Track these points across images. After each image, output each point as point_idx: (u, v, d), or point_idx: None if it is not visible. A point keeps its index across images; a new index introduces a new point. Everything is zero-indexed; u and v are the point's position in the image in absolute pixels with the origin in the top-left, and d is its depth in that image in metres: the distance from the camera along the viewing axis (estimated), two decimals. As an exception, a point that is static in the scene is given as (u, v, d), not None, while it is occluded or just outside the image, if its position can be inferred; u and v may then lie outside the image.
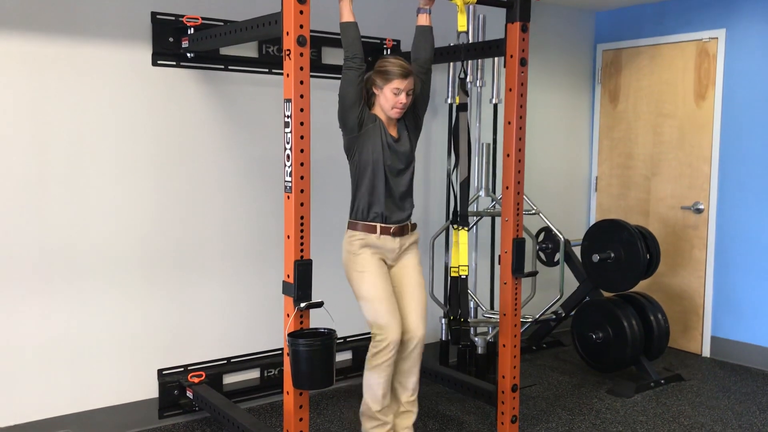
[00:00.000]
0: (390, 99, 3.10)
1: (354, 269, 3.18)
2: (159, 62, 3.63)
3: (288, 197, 2.74)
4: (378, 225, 3.15)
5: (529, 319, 4.74)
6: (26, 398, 3.40)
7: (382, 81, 3.10)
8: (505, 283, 3.50)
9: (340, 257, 3.24)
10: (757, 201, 4.84)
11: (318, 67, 4.10)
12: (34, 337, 3.40)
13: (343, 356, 4.43)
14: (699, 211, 5.13)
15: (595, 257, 4.61)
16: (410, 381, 3.30)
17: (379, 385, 3.16)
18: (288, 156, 2.72)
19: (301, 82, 2.67)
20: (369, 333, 4.53)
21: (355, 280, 3.19)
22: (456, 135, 3.58)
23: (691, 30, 5.14)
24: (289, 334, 2.74)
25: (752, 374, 4.76)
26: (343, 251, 3.24)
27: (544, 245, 5.02)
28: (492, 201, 4.70)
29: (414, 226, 3.31)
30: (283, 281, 2.81)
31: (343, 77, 3.00)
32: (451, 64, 4.54)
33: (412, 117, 3.26)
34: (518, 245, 3.46)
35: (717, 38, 4.98)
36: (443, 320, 4.61)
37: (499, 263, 3.54)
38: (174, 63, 3.67)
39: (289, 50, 2.66)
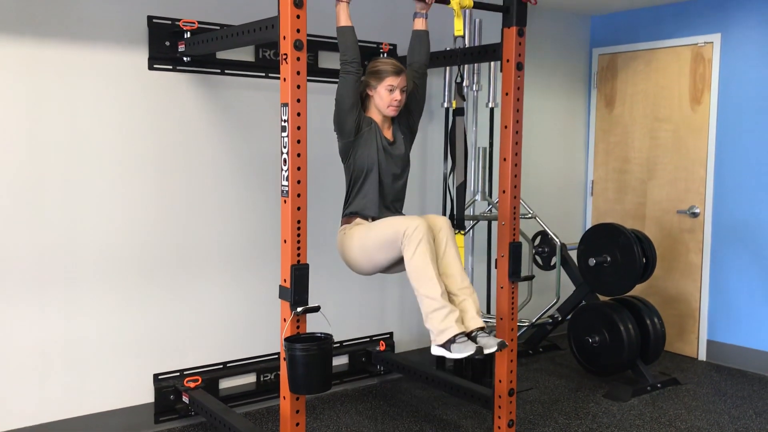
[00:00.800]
0: (385, 97, 3.10)
1: (351, 240, 3.08)
2: (155, 66, 3.62)
3: (285, 201, 2.74)
4: (369, 218, 3.14)
5: (526, 323, 4.74)
6: (21, 403, 3.38)
7: (375, 80, 3.11)
8: (502, 288, 3.50)
9: (338, 261, 3.23)
10: (753, 205, 4.85)
11: (315, 71, 4.11)
12: (29, 341, 3.38)
13: (340, 361, 4.42)
14: (695, 215, 5.14)
15: (592, 261, 4.62)
16: (452, 266, 3.00)
17: (427, 265, 2.86)
18: (285, 160, 2.72)
19: (298, 87, 2.67)
20: (366, 338, 4.55)
21: (356, 244, 3.06)
22: (452, 139, 3.58)
23: (686, 35, 5.16)
24: (286, 339, 2.74)
25: (748, 378, 4.76)
26: (338, 245, 3.20)
27: (540, 249, 5.02)
28: (488, 205, 4.71)
29: None
30: (280, 286, 2.80)
31: (341, 82, 3.00)
32: (448, 68, 4.54)
33: (407, 121, 3.27)
34: (514, 249, 3.46)
35: (712, 43, 5.00)
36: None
37: (496, 267, 3.54)
38: (170, 67, 3.67)
39: (285, 54, 2.66)
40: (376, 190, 3.12)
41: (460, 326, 2.88)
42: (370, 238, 3.02)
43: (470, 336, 2.93)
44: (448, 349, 2.87)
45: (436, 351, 2.92)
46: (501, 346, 2.88)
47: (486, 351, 2.87)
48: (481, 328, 2.96)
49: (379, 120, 3.17)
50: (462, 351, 2.83)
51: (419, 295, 2.91)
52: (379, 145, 3.12)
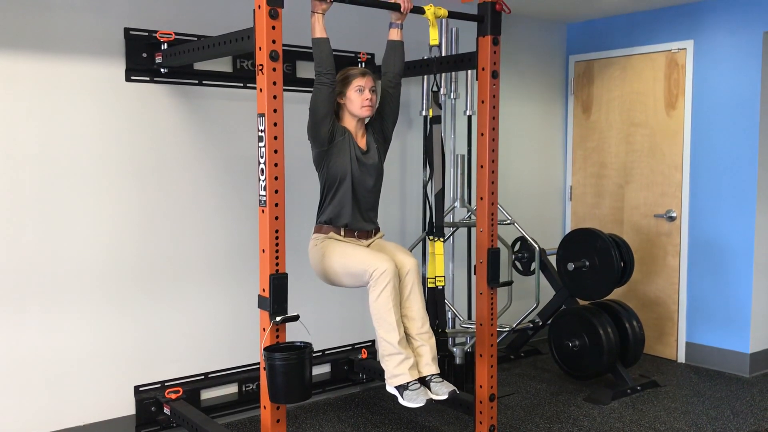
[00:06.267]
0: (355, 99, 3.14)
1: (321, 256, 3.13)
2: (133, 78, 3.62)
3: (263, 211, 2.75)
4: (342, 229, 3.18)
5: (506, 329, 4.76)
6: (1, 418, 3.36)
7: (344, 86, 3.15)
8: (481, 293, 3.53)
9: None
10: (728, 207, 4.92)
11: (292, 80, 4.12)
12: (8, 354, 3.36)
13: (321, 369, 4.42)
14: (672, 218, 5.21)
15: (570, 266, 4.66)
16: (414, 309, 3.05)
17: (389, 311, 2.93)
18: (262, 170, 2.73)
19: (275, 97, 2.69)
20: (347, 346, 4.55)
21: (325, 263, 3.11)
22: (429, 147, 3.60)
23: (660, 41, 5.24)
24: (265, 349, 2.74)
25: (726, 379, 4.82)
26: (309, 255, 3.22)
27: (519, 255, 5.05)
28: (467, 212, 4.74)
29: (378, 230, 3.34)
30: (259, 295, 2.81)
31: (315, 92, 3.02)
32: (425, 77, 4.58)
33: (381, 129, 3.30)
34: (493, 255, 3.49)
35: (685, 49, 5.08)
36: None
37: (475, 273, 3.57)
38: (148, 78, 3.67)
39: (261, 65, 2.68)
40: (350, 198, 3.14)
41: (414, 373, 2.98)
42: (340, 264, 3.07)
43: (424, 380, 3.03)
44: (401, 395, 2.98)
45: (391, 390, 3.04)
46: (452, 395, 2.98)
47: (436, 398, 2.99)
48: (436, 374, 3.05)
49: (353, 129, 3.20)
50: (413, 401, 2.94)
51: (378, 336, 3.01)
52: (353, 154, 3.14)
